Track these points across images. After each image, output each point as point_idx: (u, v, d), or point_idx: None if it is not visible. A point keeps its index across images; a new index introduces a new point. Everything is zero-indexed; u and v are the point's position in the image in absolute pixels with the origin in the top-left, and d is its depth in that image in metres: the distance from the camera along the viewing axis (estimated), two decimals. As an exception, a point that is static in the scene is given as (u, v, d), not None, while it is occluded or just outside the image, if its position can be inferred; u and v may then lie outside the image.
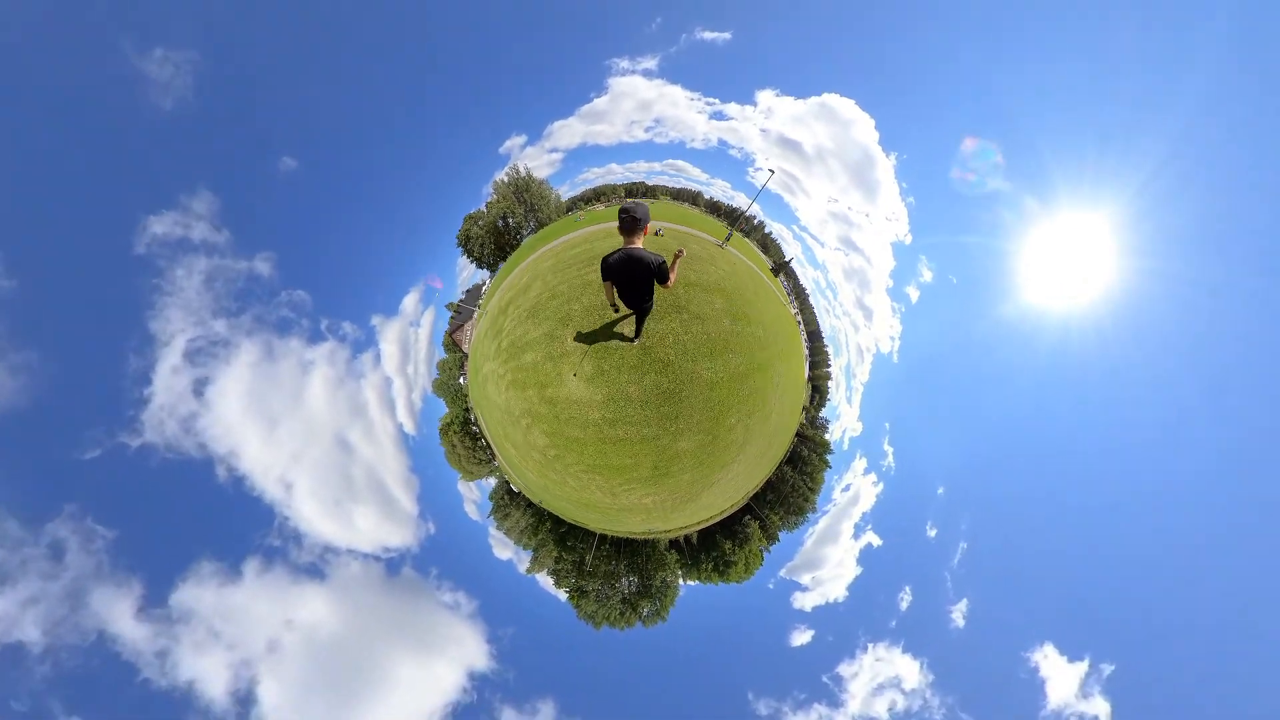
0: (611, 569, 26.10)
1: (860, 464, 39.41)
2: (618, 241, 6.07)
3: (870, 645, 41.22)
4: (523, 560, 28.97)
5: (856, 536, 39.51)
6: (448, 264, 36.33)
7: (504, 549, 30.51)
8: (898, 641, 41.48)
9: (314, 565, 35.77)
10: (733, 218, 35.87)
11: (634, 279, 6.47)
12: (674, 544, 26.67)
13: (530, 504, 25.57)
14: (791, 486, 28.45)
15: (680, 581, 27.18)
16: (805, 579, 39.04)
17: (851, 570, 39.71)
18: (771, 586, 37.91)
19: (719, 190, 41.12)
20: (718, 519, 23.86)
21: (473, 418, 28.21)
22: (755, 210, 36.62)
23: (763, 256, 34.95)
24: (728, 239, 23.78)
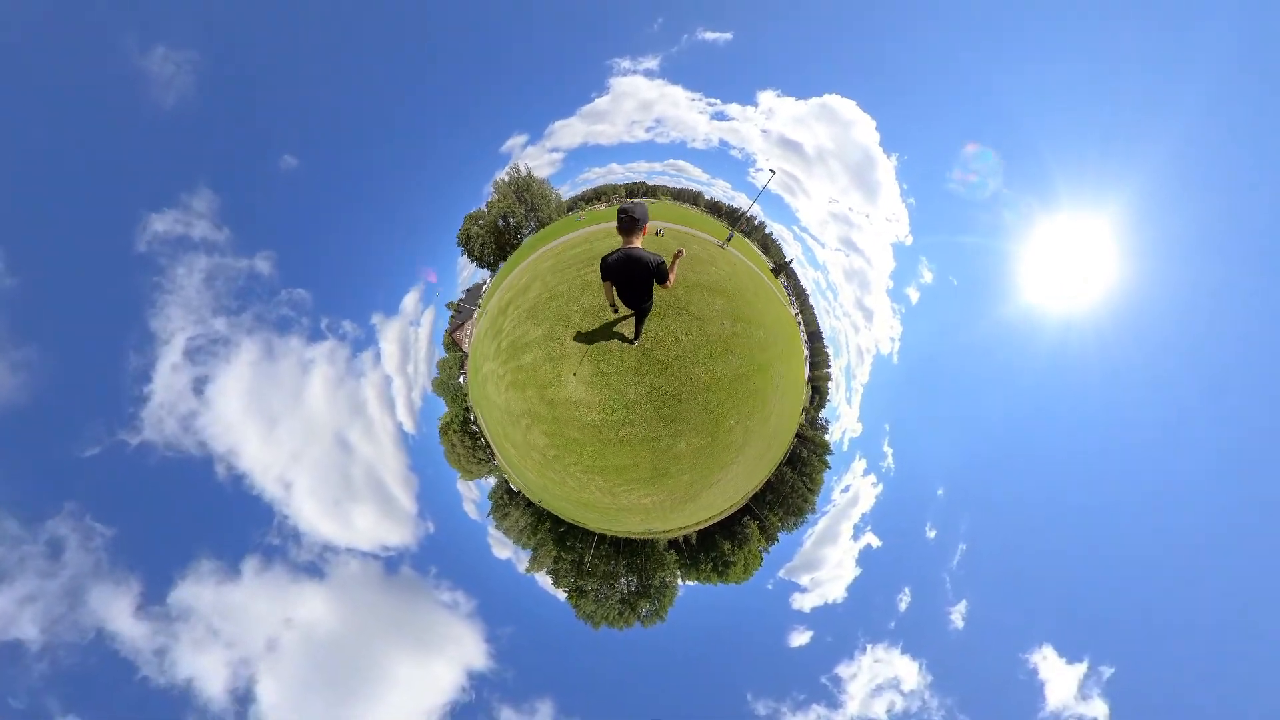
0: (610, 569, 26.10)
1: (860, 465, 39.28)
2: (617, 241, 6.02)
3: (869, 646, 41.14)
4: (522, 560, 29.01)
5: (856, 537, 39.41)
6: (448, 263, 36.35)
7: (503, 548, 30.52)
8: (897, 643, 41.38)
9: (313, 564, 35.72)
10: (733, 218, 35.82)
11: (633, 279, 6.42)
12: (673, 544, 26.65)
13: (529, 503, 25.55)
14: (791, 487, 28.44)
15: (679, 582, 27.20)
16: (804, 580, 38.97)
17: (850, 571, 39.62)
18: (770, 587, 37.77)
19: (720, 191, 41.03)
20: (717, 519, 23.86)
21: (472, 417, 28.19)
22: (756, 211, 36.55)
23: (763, 257, 34.92)
24: (729, 240, 23.74)
